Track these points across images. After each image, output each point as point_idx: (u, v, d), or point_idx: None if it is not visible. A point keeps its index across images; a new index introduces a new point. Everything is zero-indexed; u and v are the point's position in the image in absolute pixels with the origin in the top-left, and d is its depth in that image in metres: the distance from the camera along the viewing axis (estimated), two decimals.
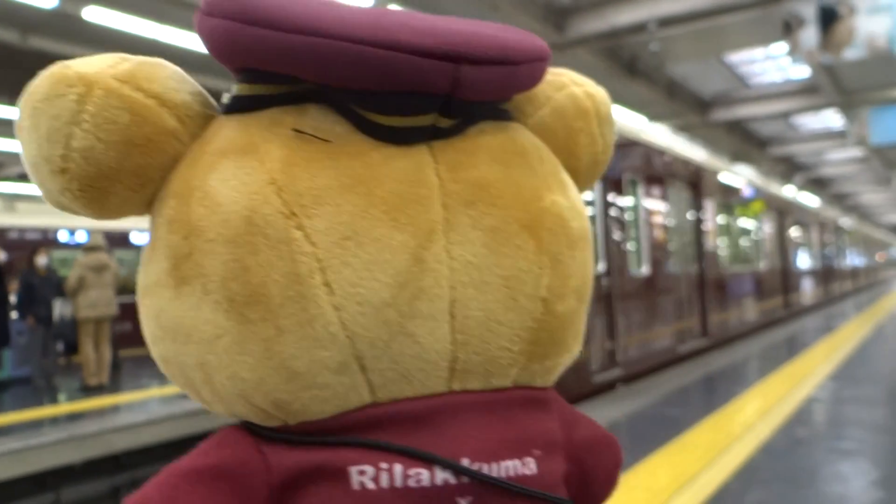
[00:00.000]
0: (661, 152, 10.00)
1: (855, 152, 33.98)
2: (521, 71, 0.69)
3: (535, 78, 0.73)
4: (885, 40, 12.95)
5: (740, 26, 16.28)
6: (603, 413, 6.22)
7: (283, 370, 0.65)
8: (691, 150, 12.47)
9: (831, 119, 28.58)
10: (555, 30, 14.70)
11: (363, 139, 0.68)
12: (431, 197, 0.67)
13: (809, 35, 13.22)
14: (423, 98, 0.66)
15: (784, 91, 23.75)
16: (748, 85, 24.03)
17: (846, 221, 29.39)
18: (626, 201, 8.62)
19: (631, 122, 11.49)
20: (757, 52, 21.18)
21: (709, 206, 11.56)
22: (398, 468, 0.64)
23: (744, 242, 14.16)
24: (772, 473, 4.33)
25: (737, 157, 30.18)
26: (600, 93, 0.85)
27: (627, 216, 8.66)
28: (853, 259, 30.15)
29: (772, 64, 22.17)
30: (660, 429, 5.86)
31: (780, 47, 17.69)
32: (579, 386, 6.90)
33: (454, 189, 0.68)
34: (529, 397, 0.72)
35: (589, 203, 7.14)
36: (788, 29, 13.39)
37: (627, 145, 8.79)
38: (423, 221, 0.66)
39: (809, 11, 13.26)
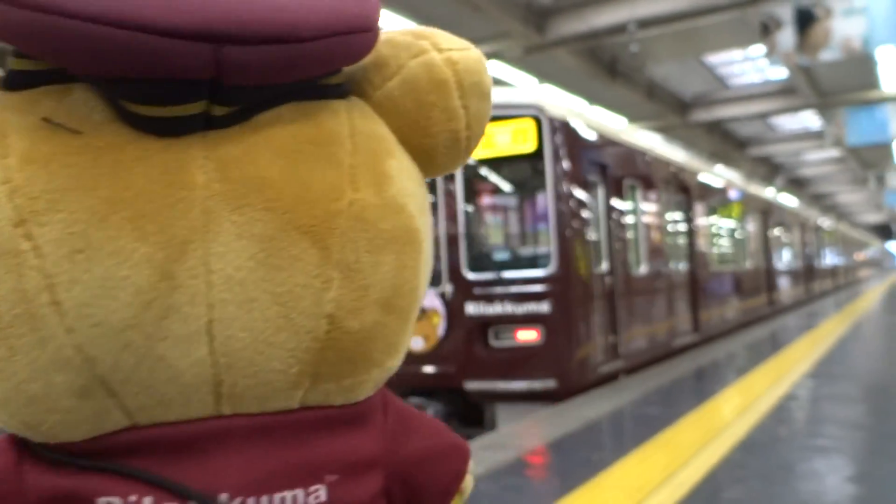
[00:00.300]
0: (658, 159, 10.44)
1: (832, 153, 34.37)
2: (312, 49, 0.58)
3: (352, 53, 0.63)
4: (860, 42, 13.14)
5: (719, 28, 16.42)
6: (582, 413, 6.24)
7: (20, 393, 0.58)
8: (682, 155, 13.21)
9: (809, 120, 28.89)
10: (536, 31, 14.75)
11: (122, 130, 0.59)
12: (191, 200, 0.58)
13: (786, 37, 13.39)
14: (185, 84, 0.56)
15: (762, 92, 23.97)
16: (727, 86, 24.22)
17: (825, 221, 30.35)
18: (626, 205, 8.89)
19: (626, 127, 12.30)
20: (735, 54, 21.38)
21: (699, 208, 12.09)
22: (147, 501, 0.58)
23: (731, 243, 14.84)
24: (748, 471, 4.36)
25: (716, 157, 30.42)
26: (469, 58, 0.71)
27: (628, 220, 8.97)
28: (833, 258, 31.26)
29: (750, 65, 22.39)
30: (639, 427, 5.90)
31: (759, 49, 17.87)
32: (585, 377, 7.19)
33: (220, 190, 0.59)
34: (323, 417, 0.65)
35: (590, 206, 7.77)
36: (766, 31, 13.54)
37: (627, 152, 9.17)
38: (177, 230, 0.57)
39: (786, 13, 13.42)
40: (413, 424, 0.74)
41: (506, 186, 7.85)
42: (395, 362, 0.69)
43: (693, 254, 11.44)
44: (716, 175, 14.24)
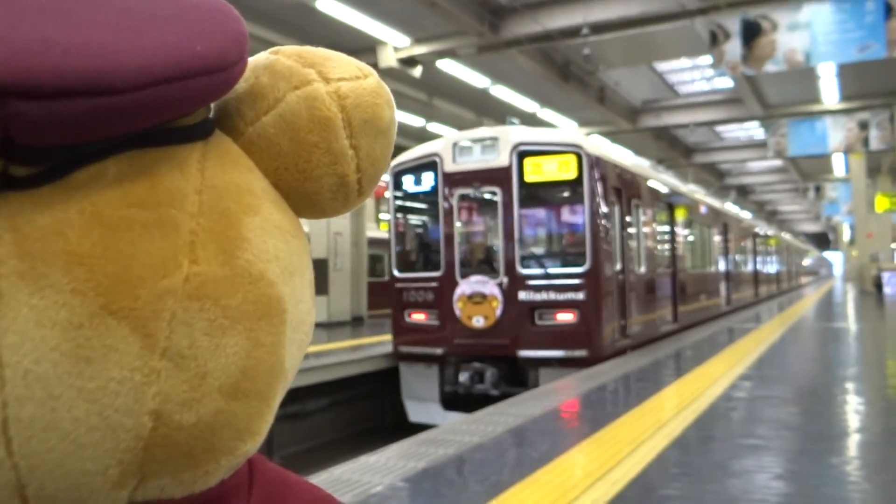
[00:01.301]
0: (651, 181, 12.92)
1: (775, 163, 35.35)
2: (133, 101, 0.47)
3: (193, 100, 0.51)
4: (803, 56, 13.54)
5: (669, 36, 16.73)
6: (522, 410, 6.31)
7: None
8: (669, 177, 16.18)
9: (754, 130, 29.66)
10: (490, 30, 14.80)
11: None
12: None
13: (734, 47, 13.72)
14: None
15: (710, 101, 24.50)
16: (677, 93, 24.68)
17: (771, 231, 32.95)
18: (632, 219, 11.29)
19: (635, 159, 14.33)
20: (685, 62, 21.80)
21: (679, 221, 14.58)
22: None
23: (700, 250, 17.17)
24: (682, 468, 4.46)
25: (663, 163, 30.97)
26: (362, 90, 0.60)
27: (632, 230, 11.29)
28: (777, 266, 33.96)
29: (699, 74, 22.86)
30: (580, 424, 5.99)
31: (708, 59, 18.30)
32: (605, 349, 9.53)
33: (17, 269, 0.49)
34: None
35: (611, 220, 10.16)
36: (714, 40, 13.85)
37: (633, 178, 11.54)
38: None
39: (735, 25, 13.76)
40: (287, 493, 0.65)
41: (552, 203, 10.20)
42: (251, 446, 0.59)
43: (674, 258, 13.93)
44: (689, 191, 17.24)
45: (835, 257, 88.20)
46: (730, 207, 24.88)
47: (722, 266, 19.11)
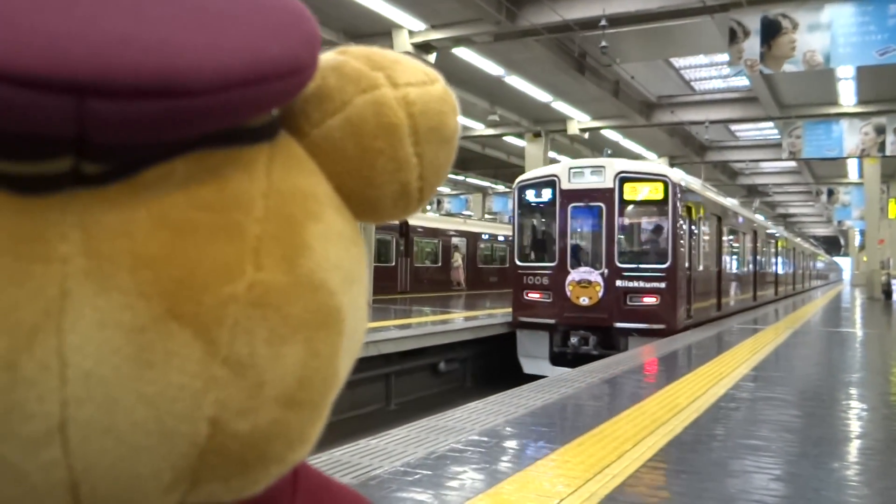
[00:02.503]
0: (709, 200, 16.42)
1: (789, 164, 35.10)
2: (208, 103, 0.46)
3: (267, 103, 0.51)
4: (822, 57, 13.40)
5: (688, 31, 16.59)
6: (529, 400, 6.33)
7: None
8: (715, 193, 18.83)
9: (769, 129, 29.43)
10: (507, 17, 14.70)
11: None
12: (46, 277, 0.48)
13: (753, 45, 13.59)
14: (41, 139, 0.45)
15: (725, 99, 24.31)
16: (693, 89, 24.49)
17: (790, 237, 36.13)
18: (695, 229, 14.81)
19: (688, 178, 16.20)
20: (702, 59, 21.62)
21: (722, 230, 17.88)
22: None
23: (736, 254, 20.67)
24: (681, 466, 4.46)
25: (675, 160, 30.82)
26: (430, 97, 0.60)
27: (695, 238, 14.79)
28: (793, 268, 36.72)
29: (715, 71, 22.67)
30: (584, 418, 5.99)
31: (725, 56, 18.16)
32: (678, 325, 13.10)
33: (84, 267, 0.49)
34: None
35: (685, 230, 13.83)
36: (734, 37, 13.72)
37: (700, 199, 15.16)
38: (26, 313, 0.48)
39: (754, 23, 13.63)
40: (328, 496, 0.66)
41: (644, 216, 13.84)
42: (301, 454, 0.59)
43: (718, 259, 17.38)
44: (732, 204, 20.92)
45: (844, 262, 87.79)
46: (758, 217, 28.21)
47: (751, 268, 22.69)
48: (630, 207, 13.58)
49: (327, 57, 0.59)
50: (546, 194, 14.08)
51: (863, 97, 21.68)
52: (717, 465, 4.53)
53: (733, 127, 29.82)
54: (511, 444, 5.10)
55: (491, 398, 6.58)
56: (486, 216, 39.62)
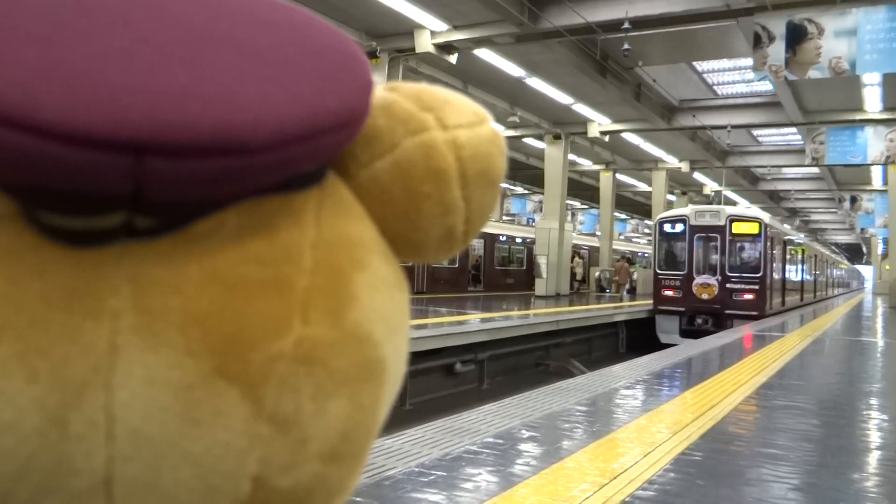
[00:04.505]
0: (781, 230, 25.13)
1: (811, 169, 34.69)
2: (266, 161, 0.46)
3: (322, 156, 0.50)
4: (848, 64, 13.25)
5: (711, 35, 16.45)
6: (548, 405, 6.31)
7: None
8: (785, 226, 27.35)
9: (791, 135, 29.10)
10: (530, 18, 14.66)
11: (24, 231, 0.48)
12: (97, 333, 0.47)
13: (777, 50, 13.45)
14: (96, 196, 0.45)
15: (748, 104, 24.06)
16: (716, 94, 24.26)
17: (823, 250, 42.88)
18: (775, 252, 22.28)
19: (774, 220, 24.97)
20: (725, 63, 21.42)
21: (787, 252, 25.37)
22: None
23: (794, 266, 28.25)
24: (698, 470, 4.43)
25: (696, 164, 30.56)
26: (479, 140, 0.57)
27: (778, 260, 22.70)
28: (825, 277, 42.93)
29: (738, 75, 22.45)
30: (600, 423, 5.97)
31: (749, 60, 18.00)
32: (765, 312, 20.28)
33: (134, 323, 0.48)
34: None
35: (771, 254, 22.01)
36: (758, 41, 13.59)
37: (779, 232, 23.01)
38: (75, 369, 0.47)
39: (779, 27, 13.49)
40: None
41: (745, 243, 21.15)
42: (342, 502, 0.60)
43: (784, 270, 24.54)
44: (794, 233, 30.80)
45: (866, 271, 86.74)
46: (805, 237, 37.01)
47: (800, 276, 29.99)
48: (736, 237, 21.00)
49: (377, 95, 0.57)
50: (679, 227, 21.57)
51: (889, 104, 21.40)
52: (734, 475, 4.49)
53: (755, 132, 29.55)
54: (527, 447, 5.09)
55: (507, 400, 6.59)
56: (504, 218, 39.58)
